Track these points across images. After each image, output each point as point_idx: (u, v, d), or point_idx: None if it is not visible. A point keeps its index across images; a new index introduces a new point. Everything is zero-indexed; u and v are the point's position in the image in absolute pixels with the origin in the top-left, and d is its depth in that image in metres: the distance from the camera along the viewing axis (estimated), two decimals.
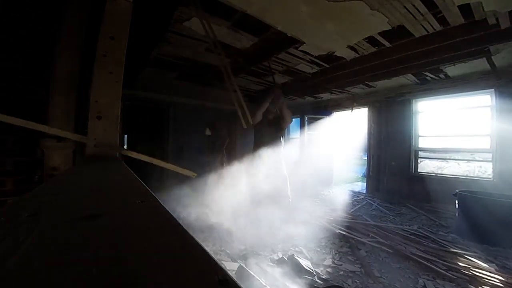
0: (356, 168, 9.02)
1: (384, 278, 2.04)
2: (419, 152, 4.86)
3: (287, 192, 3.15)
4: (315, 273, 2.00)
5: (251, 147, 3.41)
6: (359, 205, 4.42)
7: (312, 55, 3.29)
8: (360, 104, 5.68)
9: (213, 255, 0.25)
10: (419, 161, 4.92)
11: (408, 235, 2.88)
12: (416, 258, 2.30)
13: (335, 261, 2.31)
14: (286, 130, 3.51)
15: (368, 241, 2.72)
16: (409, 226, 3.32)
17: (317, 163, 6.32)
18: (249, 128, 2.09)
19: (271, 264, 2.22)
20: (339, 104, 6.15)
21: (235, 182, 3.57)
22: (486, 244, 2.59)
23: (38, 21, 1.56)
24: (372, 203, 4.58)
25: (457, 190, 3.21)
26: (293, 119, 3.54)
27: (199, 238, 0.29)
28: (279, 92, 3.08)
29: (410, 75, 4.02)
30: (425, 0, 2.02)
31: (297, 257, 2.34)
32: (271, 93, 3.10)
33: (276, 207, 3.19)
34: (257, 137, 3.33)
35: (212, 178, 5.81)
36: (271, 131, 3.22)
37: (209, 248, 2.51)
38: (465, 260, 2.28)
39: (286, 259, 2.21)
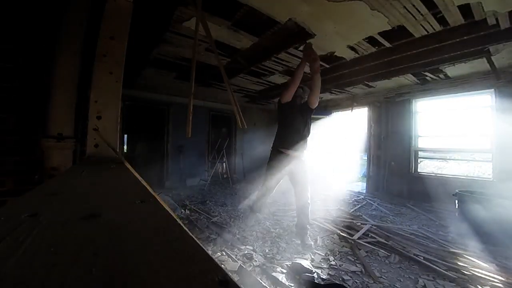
0: (356, 168, 9.03)
1: (384, 278, 2.04)
2: (419, 152, 4.86)
3: (308, 197, 2.63)
4: (315, 273, 2.00)
5: (254, 146, 3.37)
6: (359, 205, 4.42)
7: None
8: (360, 104, 5.69)
9: (213, 256, 0.25)
10: (419, 161, 4.92)
11: (408, 235, 2.88)
12: (416, 258, 2.30)
13: (335, 261, 2.31)
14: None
15: (368, 241, 2.72)
16: (409, 226, 3.32)
17: (317, 163, 6.32)
18: (243, 128, 2.05)
19: (272, 264, 2.22)
20: (339, 104, 6.16)
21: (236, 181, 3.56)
22: (486, 244, 2.59)
23: (38, 21, 1.56)
24: (372, 203, 4.58)
25: (457, 190, 3.21)
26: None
27: (200, 238, 0.29)
28: (314, 53, 2.39)
29: (410, 75, 4.02)
30: (425, 0, 2.03)
31: (298, 257, 2.35)
32: (305, 55, 2.45)
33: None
34: (281, 125, 2.72)
35: (212, 177, 5.82)
36: (297, 119, 2.61)
37: (209, 248, 2.51)
38: (465, 260, 2.28)
39: (287, 259, 2.21)
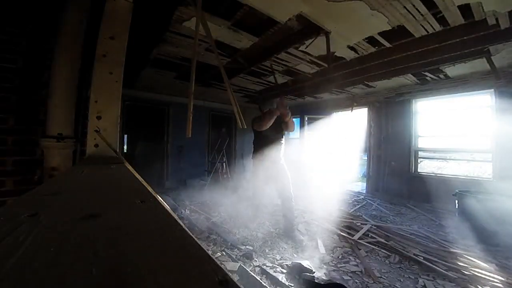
0: (356, 168, 9.03)
1: (384, 278, 2.04)
2: (419, 152, 4.86)
3: (290, 192, 2.96)
4: (315, 273, 2.00)
5: (251, 146, 3.37)
6: (359, 205, 4.42)
7: (312, 55, 3.28)
8: (360, 104, 5.68)
9: (213, 256, 0.25)
10: (419, 161, 4.92)
11: (408, 235, 2.88)
12: (416, 258, 2.30)
13: (336, 261, 2.31)
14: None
15: (368, 241, 2.72)
16: (409, 226, 3.32)
17: (317, 163, 6.32)
18: (243, 128, 2.07)
19: (272, 264, 2.22)
20: (339, 104, 6.15)
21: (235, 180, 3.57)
22: (486, 244, 2.59)
23: (38, 21, 1.56)
24: (372, 203, 4.58)
25: (457, 190, 3.21)
26: (293, 120, 3.32)
27: (200, 238, 0.29)
28: (285, 102, 2.84)
29: (410, 75, 4.02)
30: (425, 0, 2.02)
31: (298, 257, 2.35)
32: (278, 105, 2.86)
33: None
34: (258, 137, 3.14)
35: (212, 177, 5.82)
36: (272, 131, 3.04)
37: (209, 248, 2.51)
38: (465, 260, 2.28)
39: (287, 259, 2.21)
